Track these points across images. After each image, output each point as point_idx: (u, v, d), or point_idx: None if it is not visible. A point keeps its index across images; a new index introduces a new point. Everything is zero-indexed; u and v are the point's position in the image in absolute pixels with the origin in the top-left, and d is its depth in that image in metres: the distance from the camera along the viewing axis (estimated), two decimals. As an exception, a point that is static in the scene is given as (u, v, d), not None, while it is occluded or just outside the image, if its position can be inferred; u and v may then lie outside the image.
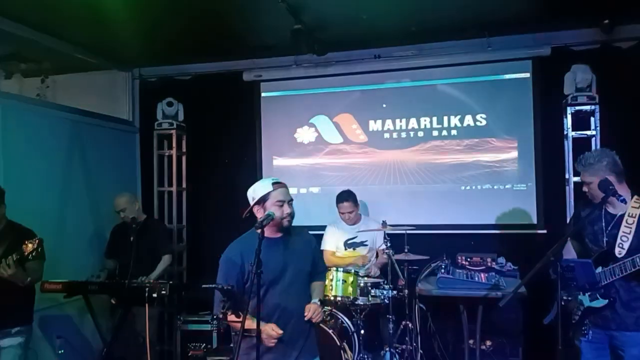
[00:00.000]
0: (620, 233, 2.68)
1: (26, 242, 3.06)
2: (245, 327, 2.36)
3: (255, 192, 2.59)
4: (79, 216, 4.69)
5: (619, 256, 2.64)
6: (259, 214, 2.57)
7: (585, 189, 2.81)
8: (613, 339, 2.77)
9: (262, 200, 2.55)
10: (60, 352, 4.26)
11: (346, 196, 4.50)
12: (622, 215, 2.71)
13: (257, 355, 2.37)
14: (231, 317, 2.41)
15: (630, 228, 2.66)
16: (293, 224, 2.65)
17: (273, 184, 2.58)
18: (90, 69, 5.37)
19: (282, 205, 2.55)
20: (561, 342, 2.50)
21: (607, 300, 2.67)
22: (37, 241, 3.08)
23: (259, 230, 2.44)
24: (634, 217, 2.68)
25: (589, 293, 2.73)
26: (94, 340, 4.41)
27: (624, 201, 2.70)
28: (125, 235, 4.25)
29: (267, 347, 2.46)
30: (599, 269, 2.68)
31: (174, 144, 5.31)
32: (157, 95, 5.40)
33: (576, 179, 4.02)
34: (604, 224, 2.77)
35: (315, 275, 2.80)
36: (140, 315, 3.94)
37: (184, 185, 5.44)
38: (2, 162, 3.92)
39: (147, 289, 3.73)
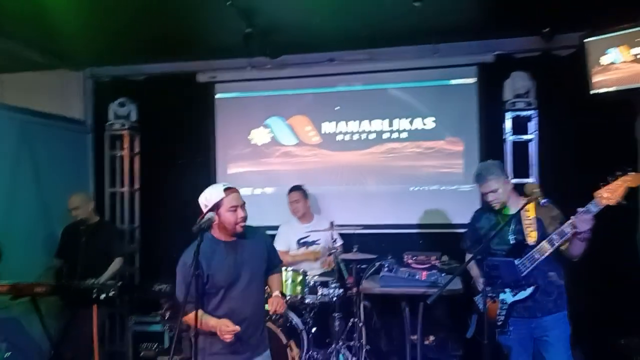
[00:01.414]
0: (525, 225, 2.91)
1: None
2: (200, 326, 2.46)
3: (207, 199, 2.60)
4: (28, 217, 4.63)
5: (532, 243, 2.87)
6: (214, 220, 2.60)
7: (491, 197, 3.02)
8: (535, 329, 2.95)
9: (215, 207, 2.58)
10: (6, 355, 4.20)
11: (296, 187, 4.72)
12: (518, 212, 2.93)
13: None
14: (188, 317, 2.49)
15: (531, 220, 2.91)
16: (248, 224, 2.69)
17: (225, 189, 2.61)
18: (42, 68, 5.30)
19: (235, 210, 2.59)
20: (486, 336, 2.67)
21: (532, 288, 2.87)
22: None
23: (211, 233, 2.55)
24: (529, 210, 2.92)
25: (510, 290, 2.91)
26: (43, 342, 4.36)
27: (548, 202, 2.93)
28: (76, 236, 4.23)
29: (222, 344, 2.53)
30: (516, 262, 2.87)
31: (126, 145, 5.29)
32: (111, 95, 5.38)
33: (515, 181, 4.21)
34: (506, 225, 2.98)
35: (271, 269, 2.89)
36: (89, 316, 3.94)
37: (137, 186, 5.43)
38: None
39: (95, 290, 3.74)
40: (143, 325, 4.81)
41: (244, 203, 2.67)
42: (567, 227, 2.75)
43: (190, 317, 2.47)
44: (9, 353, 4.19)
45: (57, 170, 4.99)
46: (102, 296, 3.72)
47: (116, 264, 4.35)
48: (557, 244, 2.79)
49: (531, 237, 2.88)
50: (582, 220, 2.68)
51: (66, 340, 4.02)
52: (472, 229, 3.29)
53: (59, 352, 3.93)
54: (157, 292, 4.42)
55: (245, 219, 2.64)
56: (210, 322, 2.53)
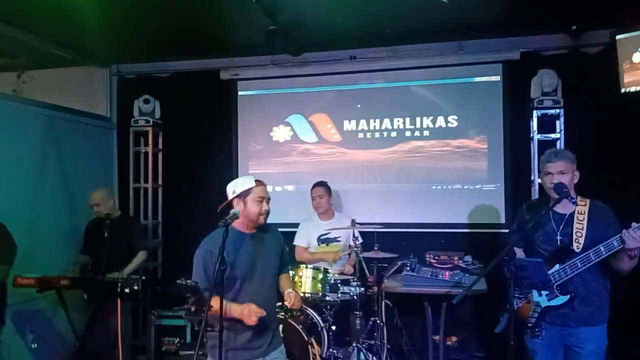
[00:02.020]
0: (574, 229, 2.78)
1: None
2: (225, 315, 2.48)
3: (236, 186, 2.71)
4: (54, 211, 4.72)
5: (577, 251, 2.74)
6: (239, 206, 2.69)
7: (559, 178, 2.78)
8: (569, 337, 2.83)
9: (243, 194, 2.68)
10: (33, 346, 4.29)
11: (320, 183, 4.71)
12: (572, 214, 2.82)
13: (220, 345, 2.47)
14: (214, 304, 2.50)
15: (582, 224, 2.77)
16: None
17: (255, 180, 2.72)
18: (68, 64, 5.38)
19: (261, 202, 2.69)
20: (513, 337, 2.61)
21: (568, 296, 2.76)
22: None
23: (232, 224, 2.59)
24: (584, 214, 2.79)
25: (546, 293, 2.80)
26: (68, 334, 4.44)
27: (575, 203, 2.81)
28: (99, 231, 4.27)
29: (240, 340, 2.60)
30: (556, 267, 2.77)
31: (150, 141, 5.36)
32: (135, 92, 5.44)
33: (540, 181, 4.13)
34: (554, 224, 2.86)
35: (282, 267, 2.94)
36: (113, 310, 4.00)
37: (160, 182, 5.49)
38: (-23, 157, 3.94)
39: (119, 284, 3.79)
40: (165, 319, 4.86)
41: (270, 198, 2.75)
42: (615, 241, 2.61)
43: (216, 304, 2.47)
44: (35, 345, 4.28)
45: (82, 166, 5.08)
46: (126, 290, 3.77)
47: (140, 257, 4.40)
48: (602, 257, 2.66)
49: (578, 243, 2.75)
50: (633, 237, 2.53)
51: (91, 333, 4.07)
52: (521, 220, 3.06)
53: (84, 344, 3.99)
54: (181, 286, 4.45)
55: (268, 212, 2.72)
56: (234, 307, 2.55)
